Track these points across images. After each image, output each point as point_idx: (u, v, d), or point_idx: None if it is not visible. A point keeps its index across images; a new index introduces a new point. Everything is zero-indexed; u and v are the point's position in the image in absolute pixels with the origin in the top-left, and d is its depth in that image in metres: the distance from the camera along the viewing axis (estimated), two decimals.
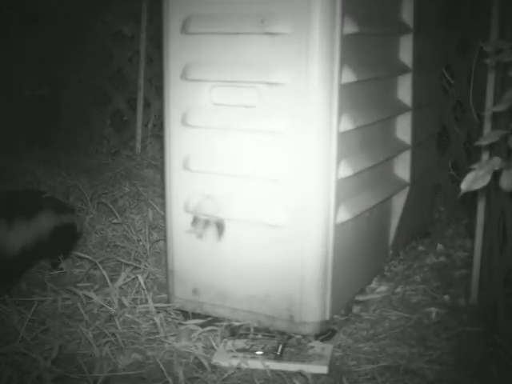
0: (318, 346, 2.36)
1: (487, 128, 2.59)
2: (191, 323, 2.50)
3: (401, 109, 2.94)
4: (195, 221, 2.53)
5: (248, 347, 2.34)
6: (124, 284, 2.66)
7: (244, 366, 2.23)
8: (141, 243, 3.14)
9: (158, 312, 2.51)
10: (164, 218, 2.74)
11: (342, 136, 2.38)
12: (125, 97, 4.92)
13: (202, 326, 2.47)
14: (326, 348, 2.34)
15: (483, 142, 1.94)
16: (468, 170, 1.74)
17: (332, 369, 2.23)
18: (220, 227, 2.49)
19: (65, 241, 2.99)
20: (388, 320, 2.57)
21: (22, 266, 2.79)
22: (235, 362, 2.24)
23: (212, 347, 2.33)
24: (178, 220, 2.56)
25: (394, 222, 3.01)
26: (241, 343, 2.36)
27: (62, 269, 2.95)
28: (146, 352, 2.32)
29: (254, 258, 2.46)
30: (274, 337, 2.40)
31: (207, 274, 2.55)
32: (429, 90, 3.28)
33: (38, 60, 4.82)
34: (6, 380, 2.08)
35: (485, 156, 2.52)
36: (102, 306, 2.51)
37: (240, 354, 2.28)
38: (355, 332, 2.49)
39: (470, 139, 3.48)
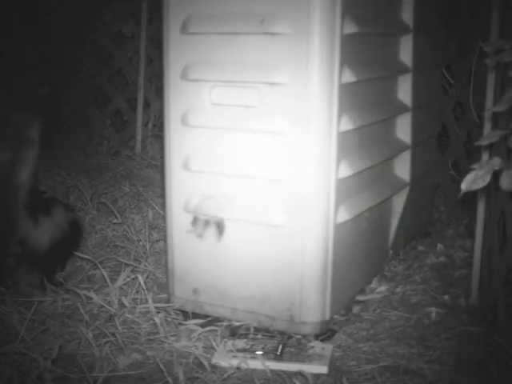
0: (317, 345, 2.36)
1: (487, 128, 2.59)
2: (191, 323, 2.49)
3: (401, 109, 2.94)
4: (195, 221, 2.53)
5: (248, 347, 2.34)
6: (124, 284, 2.66)
7: (244, 365, 2.23)
8: (141, 243, 3.14)
9: (158, 312, 2.50)
10: (164, 218, 2.74)
11: (342, 136, 2.38)
12: (125, 97, 4.92)
13: (202, 325, 2.47)
14: (326, 348, 2.34)
15: (483, 142, 1.94)
16: (468, 170, 1.75)
17: (332, 369, 2.23)
18: (220, 227, 2.49)
19: (72, 238, 2.99)
20: (388, 320, 2.57)
21: (55, 255, 2.84)
22: (235, 362, 2.23)
23: (212, 347, 2.33)
24: (178, 220, 2.56)
25: (394, 221, 3.01)
26: (241, 343, 2.36)
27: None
28: (146, 352, 2.31)
29: (254, 257, 2.46)
30: (274, 337, 2.40)
31: (207, 273, 2.55)
32: (429, 90, 3.28)
33: (38, 60, 4.82)
34: (5, 380, 2.08)
35: (485, 156, 2.52)
36: (102, 306, 2.51)
37: (240, 354, 2.27)
38: (355, 332, 2.49)
39: (470, 139, 3.48)
